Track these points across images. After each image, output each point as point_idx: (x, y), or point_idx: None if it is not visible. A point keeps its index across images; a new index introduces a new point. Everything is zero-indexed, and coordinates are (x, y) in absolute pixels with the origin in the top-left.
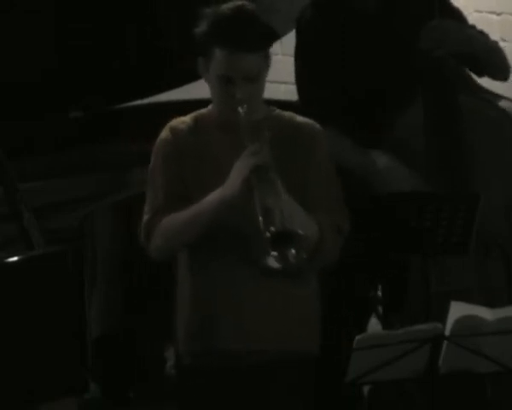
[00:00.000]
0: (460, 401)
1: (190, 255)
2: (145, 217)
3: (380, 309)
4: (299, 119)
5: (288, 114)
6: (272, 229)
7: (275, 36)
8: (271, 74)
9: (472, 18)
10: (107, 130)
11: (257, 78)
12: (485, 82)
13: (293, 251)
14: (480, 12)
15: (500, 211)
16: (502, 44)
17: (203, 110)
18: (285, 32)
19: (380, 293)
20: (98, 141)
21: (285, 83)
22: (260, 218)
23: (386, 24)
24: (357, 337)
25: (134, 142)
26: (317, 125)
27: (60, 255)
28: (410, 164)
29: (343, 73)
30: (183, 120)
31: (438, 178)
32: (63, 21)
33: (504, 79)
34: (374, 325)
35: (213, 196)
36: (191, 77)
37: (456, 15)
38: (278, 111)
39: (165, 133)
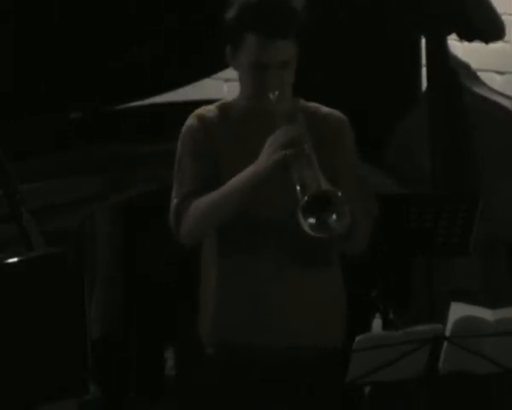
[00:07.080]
0: (460, 402)
1: (219, 244)
2: (174, 201)
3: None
4: (325, 109)
5: (313, 104)
6: (310, 193)
7: (303, 20)
8: None
9: None
10: (107, 130)
11: (288, 64)
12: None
13: (334, 217)
14: None
15: (506, 211)
16: (502, 45)
17: (227, 100)
18: None
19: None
20: (98, 141)
21: None
22: (298, 187)
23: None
24: (358, 338)
25: (134, 142)
26: (342, 115)
27: (59, 256)
28: (413, 166)
29: (337, 80)
30: (208, 109)
31: (443, 179)
32: (63, 21)
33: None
34: (376, 326)
35: (245, 173)
36: (192, 78)
37: None
38: (303, 101)
39: (191, 120)
